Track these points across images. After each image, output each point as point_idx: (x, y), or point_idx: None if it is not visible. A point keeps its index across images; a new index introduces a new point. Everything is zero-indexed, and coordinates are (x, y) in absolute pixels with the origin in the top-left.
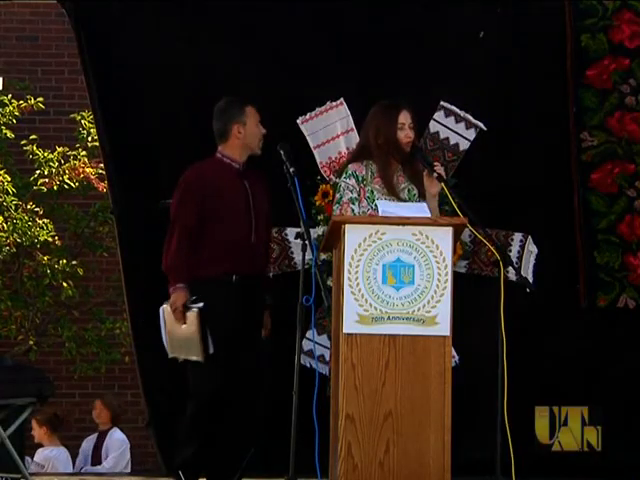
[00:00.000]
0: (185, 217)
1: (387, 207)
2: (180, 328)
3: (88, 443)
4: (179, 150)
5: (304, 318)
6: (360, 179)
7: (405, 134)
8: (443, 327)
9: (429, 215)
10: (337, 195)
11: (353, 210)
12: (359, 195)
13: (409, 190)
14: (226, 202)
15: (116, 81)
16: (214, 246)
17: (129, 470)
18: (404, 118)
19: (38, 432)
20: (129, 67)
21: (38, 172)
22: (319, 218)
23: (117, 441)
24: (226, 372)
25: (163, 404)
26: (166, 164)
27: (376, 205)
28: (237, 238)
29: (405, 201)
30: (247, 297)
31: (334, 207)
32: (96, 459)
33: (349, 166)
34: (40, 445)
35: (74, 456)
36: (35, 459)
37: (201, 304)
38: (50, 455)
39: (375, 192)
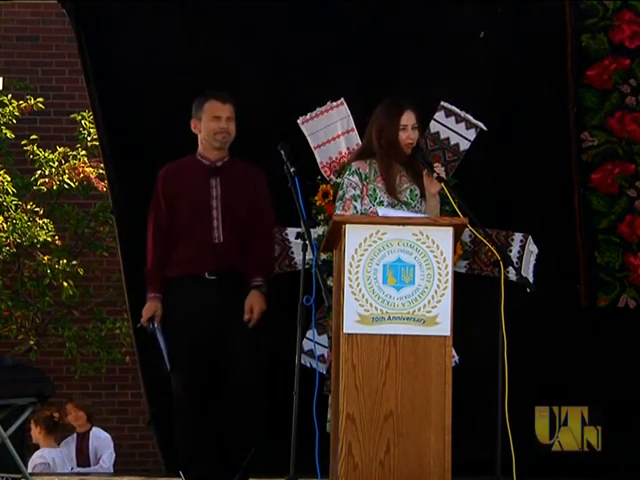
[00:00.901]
0: (155, 218)
1: (387, 212)
2: None
3: (67, 445)
4: (179, 150)
5: (304, 318)
6: (363, 177)
7: (407, 135)
8: (443, 327)
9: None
10: (340, 192)
11: (355, 207)
12: (362, 193)
13: (411, 190)
14: (188, 201)
15: (116, 81)
16: (181, 246)
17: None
18: (407, 119)
19: (34, 432)
20: (129, 67)
21: (39, 172)
22: (319, 218)
23: (106, 440)
24: (202, 373)
25: (164, 403)
26: (166, 164)
27: (379, 204)
28: (201, 238)
29: (406, 202)
30: (222, 295)
31: (337, 204)
32: (82, 460)
33: (352, 163)
34: (38, 446)
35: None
36: (35, 462)
37: (157, 331)
38: (48, 456)
39: (377, 190)
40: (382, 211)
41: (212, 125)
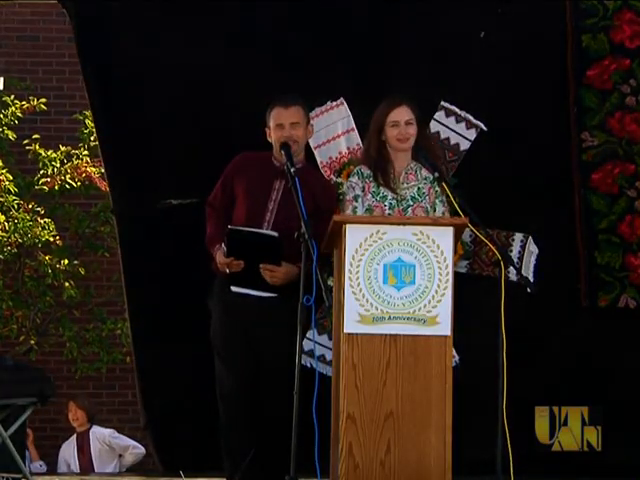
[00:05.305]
0: (213, 196)
1: None
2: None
3: (69, 446)
4: (179, 150)
5: (305, 318)
6: (365, 175)
7: (398, 132)
8: (444, 327)
9: None
10: (341, 196)
11: (355, 207)
12: (363, 190)
13: (419, 188)
14: (247, 199)
15: (116, 81)
16: None
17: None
18: (397, 115)
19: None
20: (129, 67)
21: (42, 172)
22: None
23: (107, 437)
24: (244, 369)
25: (160, 405)
26: (166, 164)
27: (381, 199)
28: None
29: (414, 197)
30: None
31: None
32: (83, 460)
33: (357, 167)
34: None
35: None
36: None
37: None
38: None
39: (380, 187)
40: None
41: (277, 134)
